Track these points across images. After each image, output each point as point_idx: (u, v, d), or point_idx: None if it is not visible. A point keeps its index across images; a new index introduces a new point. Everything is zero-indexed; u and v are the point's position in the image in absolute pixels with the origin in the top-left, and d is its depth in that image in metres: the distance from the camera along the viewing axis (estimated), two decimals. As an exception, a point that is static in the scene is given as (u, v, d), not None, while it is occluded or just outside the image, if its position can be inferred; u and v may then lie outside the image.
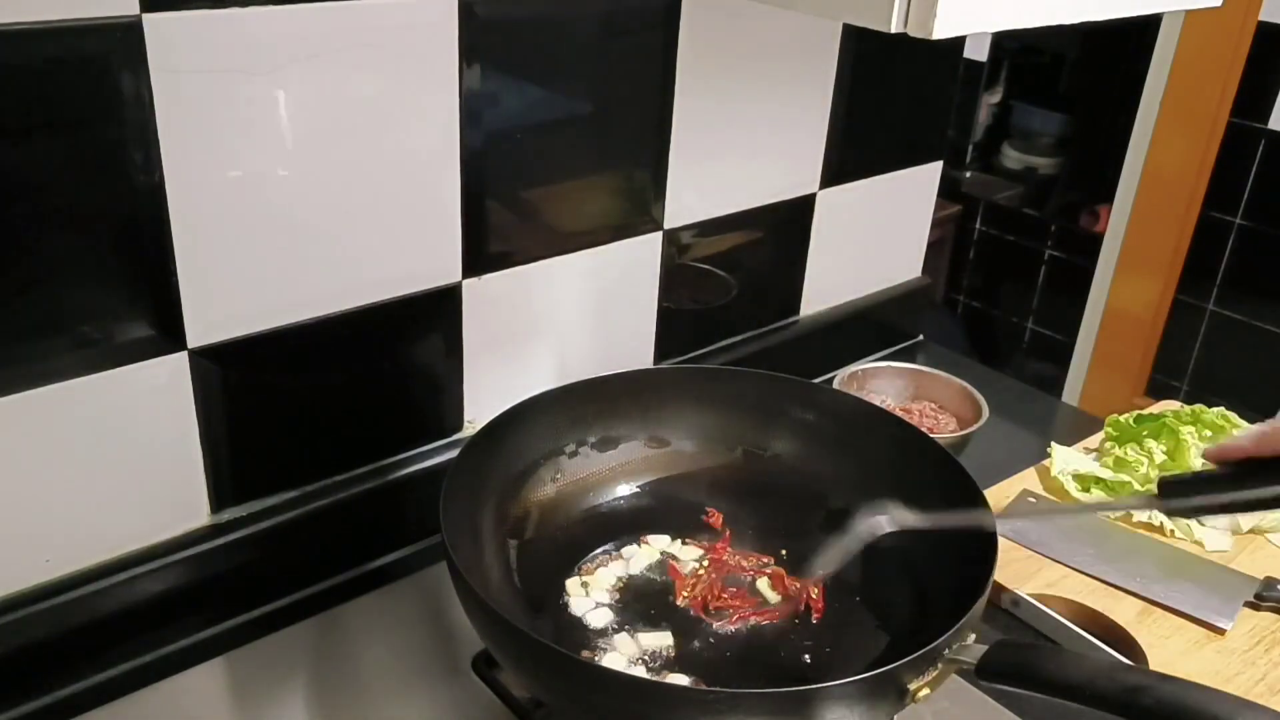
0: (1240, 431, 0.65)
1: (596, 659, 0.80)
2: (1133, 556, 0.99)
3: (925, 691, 0.67)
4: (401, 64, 0.82)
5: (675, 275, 1.11)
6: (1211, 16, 2.06)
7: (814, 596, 0.86)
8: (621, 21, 0.95)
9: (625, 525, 0.93)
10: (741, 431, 0.97)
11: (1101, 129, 2.53)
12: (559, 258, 1.00)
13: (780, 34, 1.08)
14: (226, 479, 0.86)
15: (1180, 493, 0.67)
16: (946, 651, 0.67)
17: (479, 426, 0.87)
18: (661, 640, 0.82)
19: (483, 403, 1.00)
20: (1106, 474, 1.08)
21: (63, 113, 0.69)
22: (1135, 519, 1.05)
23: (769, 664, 0.82)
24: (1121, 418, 1.14)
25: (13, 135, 0.67)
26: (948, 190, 2.19)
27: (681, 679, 0.79)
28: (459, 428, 1.00)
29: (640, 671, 0.79)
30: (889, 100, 1.24)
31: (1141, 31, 2.30)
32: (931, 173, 1.36)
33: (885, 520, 0.83)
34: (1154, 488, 0.69)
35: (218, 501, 0.87)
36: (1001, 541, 0.99)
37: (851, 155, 1.22)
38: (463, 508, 0.80)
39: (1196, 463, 1.06)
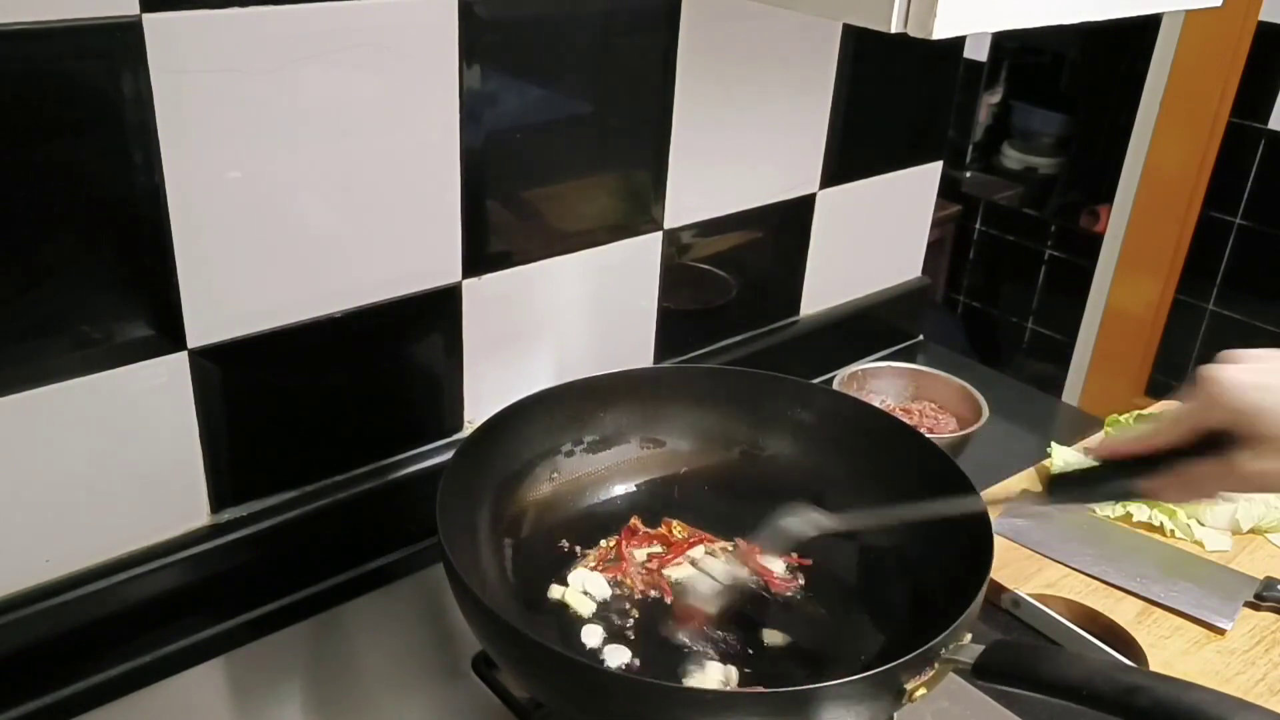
0: (1124, 433, 0.82)
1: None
2: (1133, 556, 0.99)
3: (922, 691, 0.67)
4: (401, 64, 0.82)
5: (675, 275, 1.11)
6: (1211, 16, 2.06)
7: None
8: (621, 21, 0.95)
9: (621, 525, 0.92)
10: (739, 431, 0.97)
11: (1101, 129, 2.53)
12: (559, 258, 1.00)
13: (780, 34, 1.08)
14: (226, 479, 0.86)
15: (1068, 493, 0.81)
16: (943, 651, 0.67)
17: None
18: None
19: (482, 403, 1.00)
20: (1106, 474, 1.08)
21: (63, 112, 0.69)
22: (1135, 519, 1.05)
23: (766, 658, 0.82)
24: (1121, 418, 1.14)
25: (13, 135, 0.67)
26: (948, 190, 2.19)
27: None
28: (459, 428, 1.00)
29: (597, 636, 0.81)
30: (889, 100, 1.24)
31: (1141, 31, 2.30)
32: (931, 173, 1.36)
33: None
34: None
35: (218, 501, 0.87)
36: (1001, 541, 1.00)
37: (851, 155, 1.22)
38: (460, 507, 0.80)
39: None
